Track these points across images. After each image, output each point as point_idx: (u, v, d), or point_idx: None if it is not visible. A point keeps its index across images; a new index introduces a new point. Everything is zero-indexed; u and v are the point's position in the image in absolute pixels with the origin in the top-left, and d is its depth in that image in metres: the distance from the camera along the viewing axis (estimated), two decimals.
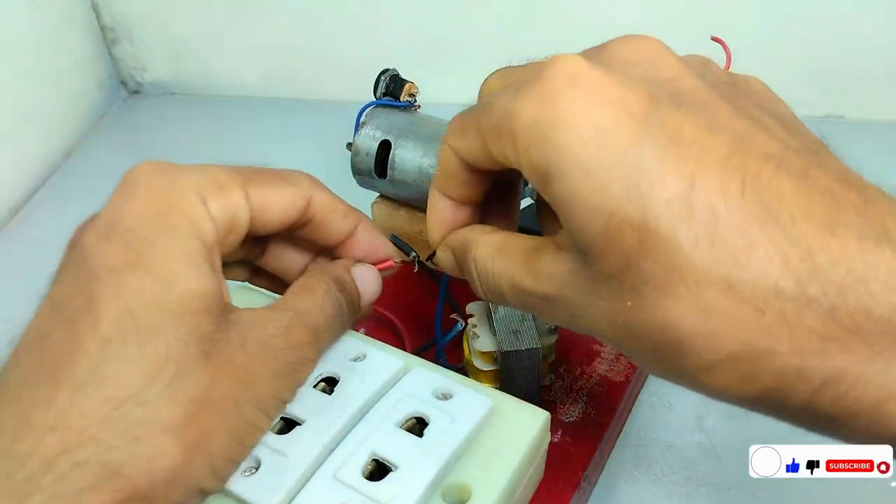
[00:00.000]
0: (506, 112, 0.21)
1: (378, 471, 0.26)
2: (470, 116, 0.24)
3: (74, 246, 0.23)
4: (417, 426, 0.27)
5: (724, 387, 0.19)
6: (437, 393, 0.28)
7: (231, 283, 0.26)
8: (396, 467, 0.25)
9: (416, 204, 0.39)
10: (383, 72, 0.40)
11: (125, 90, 0.73)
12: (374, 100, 0.40)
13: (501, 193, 0.28)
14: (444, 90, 0.46)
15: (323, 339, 0.26)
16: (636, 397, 0.37)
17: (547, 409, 0.28)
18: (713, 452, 0.35)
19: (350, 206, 0.29)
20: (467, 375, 0.31)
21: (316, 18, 0.65)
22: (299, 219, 0.27)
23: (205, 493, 0.22)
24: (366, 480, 0.25)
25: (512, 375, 0.32)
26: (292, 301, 0.26)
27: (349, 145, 0.40)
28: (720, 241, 0.18)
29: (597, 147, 0.19)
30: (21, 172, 0.59)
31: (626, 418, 0.37)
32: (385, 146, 0.38)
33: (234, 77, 0.70)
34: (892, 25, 0.56)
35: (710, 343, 0.19)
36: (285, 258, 0.30)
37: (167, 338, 0.21)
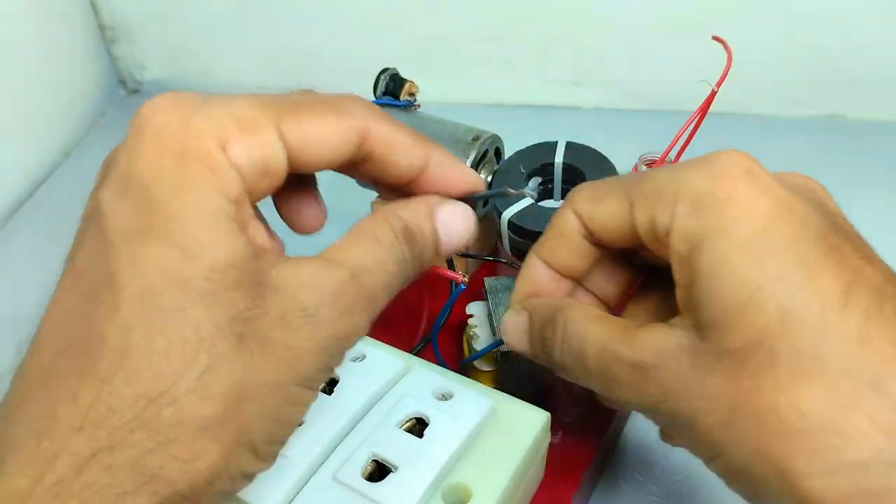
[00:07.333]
0: (674, 179, 0.22)
1: (378, 471, 0.26)
2: (612, 184, 0.24)
3: (92, 198, 0.21)
4: (417, 426, 0.27)
5: (824, 499, 0.18)
6: (437, 393, 0.28)
7: None
8: (396, 468, 0.25)
9: None
10: (383, 71, 0.40)
11: (124, 89, 0.73)
12: (374, 99, 0.40)
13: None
14: (444, 90, 0.46)
15: (379, 302, 0.22)
16: None
17: (547, 410, 0.28)
18: None
19: (418, 135, 0.24)
20: (467, 376, 0.31)
21: (316, 18, 0.65)
22: (354, 155, 0.23)
23: (251, 476, 0.20)
24: (366, 481, 0.25)
25: (512, 376, 0.32)
26: (349, 253, 0.21)
27: None
28: (875, 340, 0.18)
29: (763, 227, 0.20)
30: (20, 172, 0.59)
31: (627, 419, 0.37)
32: None
33: (234, 76, 0.70)
34: (892, 25, 0.56)
35: (837, 443, 0.18)
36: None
37: (196, 322, 0.18)
